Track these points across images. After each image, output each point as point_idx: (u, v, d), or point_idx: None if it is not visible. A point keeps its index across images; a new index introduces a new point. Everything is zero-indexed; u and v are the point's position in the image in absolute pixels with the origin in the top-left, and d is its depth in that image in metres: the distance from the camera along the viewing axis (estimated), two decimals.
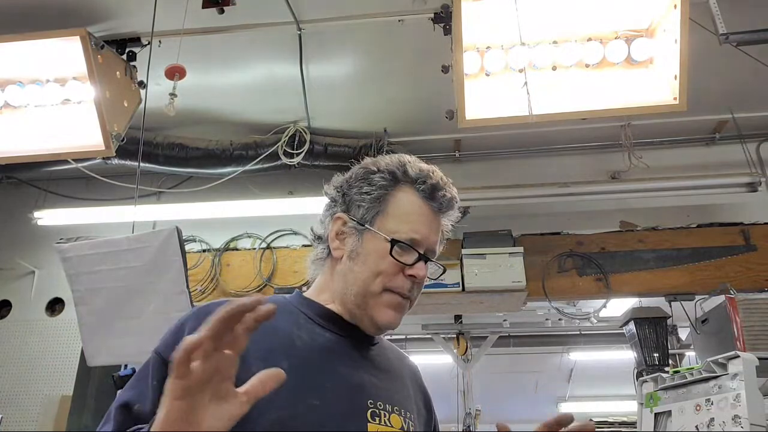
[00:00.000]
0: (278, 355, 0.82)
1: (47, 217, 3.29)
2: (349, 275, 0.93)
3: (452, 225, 1.03)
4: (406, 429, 0.88)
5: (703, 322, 2.86)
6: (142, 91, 2.58)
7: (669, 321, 3.03)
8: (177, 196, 3.35)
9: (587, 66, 2.20)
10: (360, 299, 0.92)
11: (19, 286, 3.55)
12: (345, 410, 0.82)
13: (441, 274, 1.00)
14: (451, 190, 0.98)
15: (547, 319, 4.13)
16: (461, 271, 2.94)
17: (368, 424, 0.83)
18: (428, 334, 4.19)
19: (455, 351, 4.09)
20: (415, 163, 0.98)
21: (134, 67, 2.59)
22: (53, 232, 3.34)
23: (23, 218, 3.43)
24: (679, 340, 3.68)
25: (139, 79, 2.60)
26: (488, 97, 2.21)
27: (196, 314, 0.84)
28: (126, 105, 2.55)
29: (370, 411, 0.84)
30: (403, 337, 4.61)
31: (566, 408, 6.02)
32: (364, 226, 0.94)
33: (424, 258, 0.94)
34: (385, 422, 0.85)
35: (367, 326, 0.93)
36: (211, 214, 3.16)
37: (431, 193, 0.96)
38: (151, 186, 3.40)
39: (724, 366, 2.02)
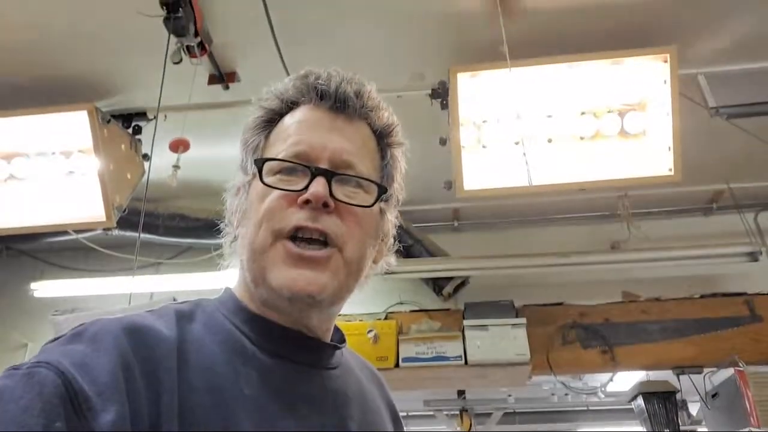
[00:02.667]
0: (222, 418, 0.57)
1: (43, 288, 3.26)
2: (242, 244, 0.68)
3: (397, 145, 0.76)
4: None
5: (713, 396, 2.77)
6: (146, 163, 2.63)
7: (678, 395, 2.94)
8: (176, 266, 3.34)
9: (582, 138, 2.25)
10: (253, 268, 0.65)
11: (11, 359, 3.46)
12: None
13: (380, 198, 0.69)
14: (349, 76, 0.71)
15: (553, 394, 4.00)
16: (463, 343, 2.88)
17: None
18: (430, 410, 4.04)
19: (459, 428, 3.93)
20: (295, 76, 0.73)
21: (139, 140, 2.65)
22: (49, 303, 3.29)
23: (21, 290, 3.40)
24: (689, 415, 3.54)
25: (143, 152, 2.65)
26: (485, 168, 2.25)
27: (129, 337, 0.57)
28: (129, 177, 2.58)
29: None
30: (405, 414, 4.44)
31: None
32: (246, 175, 0.71)
33: (322, 172, 0.64)
34: None
35: (280, 305, 0.65)
36: (209, 284, 3.13)
37: (317, 91, 0.69)
38: (150, 257, 3.39)
39: None
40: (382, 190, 0.70)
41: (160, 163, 2.58)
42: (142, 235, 2.75)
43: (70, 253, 3.57)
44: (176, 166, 2.41)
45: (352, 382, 0.73)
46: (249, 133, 0.73)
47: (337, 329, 0.76)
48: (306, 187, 0.63)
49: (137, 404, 0.53)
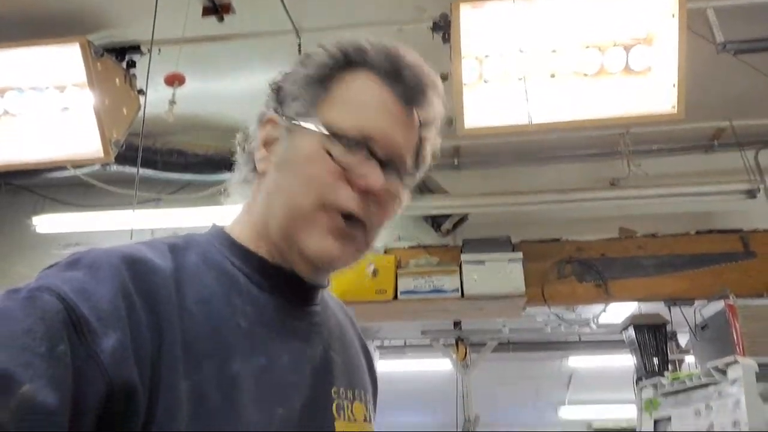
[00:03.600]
0: (221, 348, 0.60)
1: (45, 223, 3.28)
2: (274, 192, 0.68)
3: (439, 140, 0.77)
4: (368, 418, 0.75)
5: (702, 328, 2.86)
6: (142, 98, 2.59)
7: (668, 327, 3.03)
8: (176, 202, 3.35)
9: (585, 75, 2.21)
10: (287, 223, 0.66)
11: None
12: (312, 411, 0.66)
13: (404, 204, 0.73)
14: (428, 69, 0.71)
15: (546, 325, 4.13)
16: (460, 277, 2.94)
17: (335, 422, 0.68)
18: (427, 339, 4.18)
19: (454, 357, 4.08)
20: (377, 42, 0.70)
21: (134, 75, 2.59)
22: (51, 239, 3.33)
23: (21, 225, 3.43)
24: (678, 345, 3.68)
25: (138, 87, 2.60)
26: (487, 105, 2.22)
27: (127, 266, 0.58)
28: (125, 112, 2.55)
29: (335, 404, 0.69)
30: (402, 343, 4.59)
31: (566, 413, 6.00)
32: (296, 122, 0.68)
33: (385, 164, 0.67)
34: (348, 416, 0.71)
35: (299, 264, 0.68)
36: (210, 220, 3.15)
37: (398, 74, 0.68)
38: (150, 192, 3.40)
39: (723, 372, 2.03)
40: (415, 182, 0.74)
41: (156, 98, 2.55)
42: (141, 171, 2.75)
43: (68, 188, 3.57)
44: (172, 102, 2.37)
45: (331, 317, 0.78)
46: (306, 71, 0.70)
47: None
48: (363, 170, 0.66)
49: (138, 333, 0.55)
